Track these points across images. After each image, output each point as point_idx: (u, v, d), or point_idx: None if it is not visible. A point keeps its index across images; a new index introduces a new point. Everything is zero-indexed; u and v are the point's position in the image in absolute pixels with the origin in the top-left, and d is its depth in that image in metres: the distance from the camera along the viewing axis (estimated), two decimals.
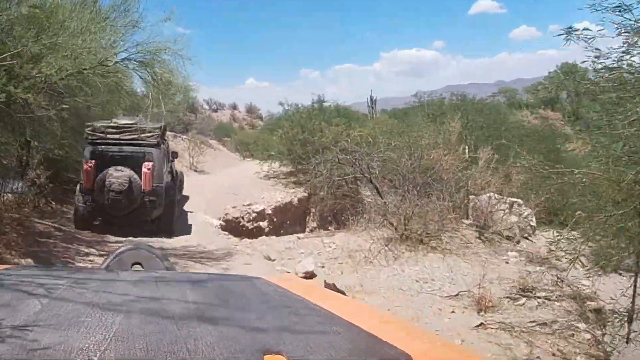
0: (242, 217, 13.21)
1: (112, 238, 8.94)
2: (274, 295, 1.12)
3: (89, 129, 8.75)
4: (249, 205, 13.39)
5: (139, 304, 0.94)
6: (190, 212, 12.20)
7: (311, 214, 14.49)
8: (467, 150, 9.71)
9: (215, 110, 35.54)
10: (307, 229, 14.40)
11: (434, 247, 8.62)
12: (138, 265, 1.50)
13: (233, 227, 12.91)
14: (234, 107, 37.70)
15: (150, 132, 8.87)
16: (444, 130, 11.10)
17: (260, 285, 1.20)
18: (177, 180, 11.20)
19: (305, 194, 14.39)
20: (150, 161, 8.69)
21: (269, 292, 1.15)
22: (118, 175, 8.42)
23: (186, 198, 12.96)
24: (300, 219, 14.32)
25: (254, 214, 13.29)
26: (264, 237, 10.22)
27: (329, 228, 14.77)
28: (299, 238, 9.36)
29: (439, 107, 19.36)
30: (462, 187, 9.67)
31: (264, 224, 13.37)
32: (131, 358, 0.69)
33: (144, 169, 8.57)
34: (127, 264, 1.48)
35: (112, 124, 8.84)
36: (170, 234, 9.15)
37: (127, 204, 8.52)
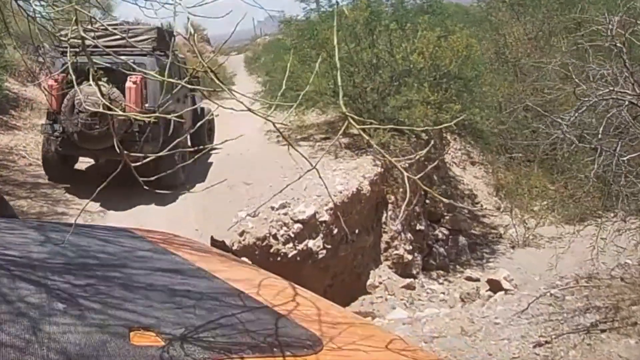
0: (274, 235, 6.18)
1: None
2: (148, 255, 0.87)
3: (59, 33, 4.65)
4: (283, 208, 6.32)
5: None
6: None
7: (388, 209, 7.63)
8: None
9: None
10: (385, 237, 7.57)
11: None
12: None
13: (257, 257, 5.93)
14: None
15: (143, 35, 6.70)
16: None
17: (132, 243, 0.94)
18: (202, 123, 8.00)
19: (379, 170, 7.45)
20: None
21: (142, 251, 0.89)
22: (91, 92, 5.00)
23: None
24: (370, 221, 7.43)
25: (296, 226, 6.28)
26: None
27: (418, 228, 8.07)
28: None
29: None
30: None
31: (315, 242, 6.43)
32: None
33: (128, 83, 6.09)
34: None
35: (90, 28, 4.29)
36: (174, 188, 6.07)
37: (104, 133, 5.99)
